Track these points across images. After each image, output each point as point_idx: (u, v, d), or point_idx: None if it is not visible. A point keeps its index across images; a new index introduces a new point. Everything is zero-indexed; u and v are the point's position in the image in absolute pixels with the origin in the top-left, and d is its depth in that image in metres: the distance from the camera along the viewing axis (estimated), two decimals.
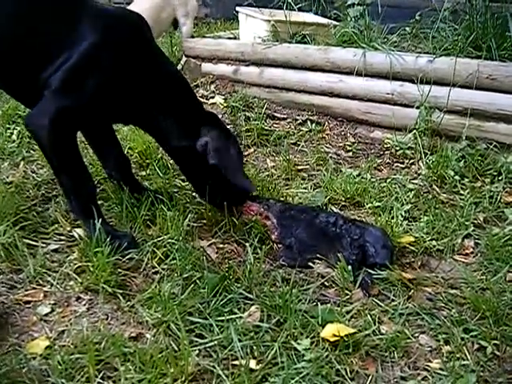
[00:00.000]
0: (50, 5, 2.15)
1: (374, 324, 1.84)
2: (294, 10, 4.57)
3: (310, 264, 2.17)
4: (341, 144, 3.54)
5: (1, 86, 2.41)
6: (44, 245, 2.20)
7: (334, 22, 4.51)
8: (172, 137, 2.31)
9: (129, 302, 1.89)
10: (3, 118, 3.50)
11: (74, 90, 2.06)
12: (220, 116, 3.69)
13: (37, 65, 2.07)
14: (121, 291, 1.93)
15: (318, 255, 2.19)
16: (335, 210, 2.65)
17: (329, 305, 1.93)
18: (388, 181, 2.99)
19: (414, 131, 3.31)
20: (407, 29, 4.28)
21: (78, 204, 2.19)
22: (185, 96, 2.37)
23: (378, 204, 2.69)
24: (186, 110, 2.33)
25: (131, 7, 4.76)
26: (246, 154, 3.29)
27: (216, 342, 1.71)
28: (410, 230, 2.47)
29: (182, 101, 2.34)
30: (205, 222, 2.42)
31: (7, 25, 2.07)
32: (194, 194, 2.61)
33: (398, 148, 3.36)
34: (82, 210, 2.18)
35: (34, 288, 1.96)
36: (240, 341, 1.70)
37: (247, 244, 2.20)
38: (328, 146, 3.51)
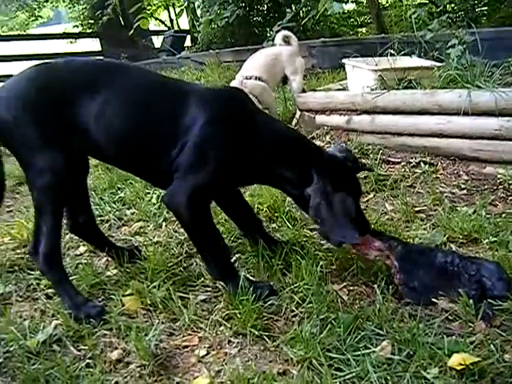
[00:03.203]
0: (163, 96, 2.45)
1: (498, 353, 1.91)
2: (395, 55, 4.70)
3: (434, 300, 2.26)
4: (455, 182, 3.56)
5: (132, 172, 2.74)
6: (194, 296, 2.45)
7: (437, 64, 4.55)
8: (292, 187, 2.47)
9: (274, 343, 2.10)
10: (141, 184, 3.84)
11: (201, 168, 2.30)
12: None
13: (160, 152, 2.35)
14: (266, 333, 2.14)
15: (439, 293, 2.27)
16: (454, 247, 2.71)
17: (454, 337, 2.02)
18: (503, 215, 3.01)
19: None
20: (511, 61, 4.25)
21: (217, 267, 2.43)
22: (297, 147, 2.49)
23: (494, 239, 2.72)
24: (300, 160, 2.44)
25: (247, 64, 5.15)
26: (365, 199, 3.41)
27: (354, 374, 1.87)
28: None
29: (295, 153, 2.46)
30: (334, 267, 2.57)
31: (129, 122, 2.37)
32: (322, 241, 2.75)
33: (511, 182, 3.35)
34: (220, 271, 2.43)
35: (190, 334, 2.21)
36: (375, 372, 1.85)
37: (375, 285, 2.33)
38: (443, 185, 3.55)
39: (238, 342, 2.15)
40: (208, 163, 2.31)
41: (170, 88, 2.50)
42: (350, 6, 14.12)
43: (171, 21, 17.77)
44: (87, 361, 2.08)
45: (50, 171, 2.28)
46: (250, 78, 4.90)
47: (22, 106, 2.30)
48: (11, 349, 2.16)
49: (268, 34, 9.40)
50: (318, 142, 4.43)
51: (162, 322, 2.29)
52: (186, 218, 2.34)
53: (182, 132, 2.32)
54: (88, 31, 18.77)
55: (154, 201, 3.61)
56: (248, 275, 2.52)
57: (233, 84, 5.07)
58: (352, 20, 13.79)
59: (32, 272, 2.75)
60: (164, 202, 2.39)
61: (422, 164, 3.84)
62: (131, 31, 9.00)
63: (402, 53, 4.91)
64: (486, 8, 9.85)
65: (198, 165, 2.31)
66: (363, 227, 2.47)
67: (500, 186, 3.45)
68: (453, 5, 9.52)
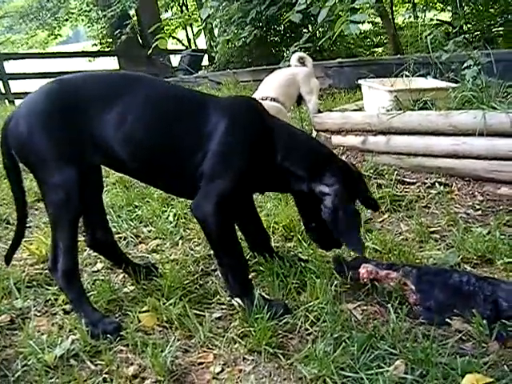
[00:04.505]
0: (183, 107, 2.50)
1: (511, 373, 1.91)
2: (410, 76, 4.74)
3: (448, 320, 2.27)
4: (470, 203, 3.56)
5: (153, 184, 2.82)
6: (209, 314, 2.48)
7: (452, 85, 4.57)
8: (302, 183, 2.48)
9: (288, 361, 2.11)
10: (158, 202, 3.89)
11: (224, 176, 2.36)
12: None
13: (182, 162, 2.41)
14: (280, 351, 2.15)
15: (454, 312, 2.28)
16: (468, 268, 2.71)
17: (467, 357, 2.00)
18: None
19: None
20: None
21: (235, 282, 2.46)
22: (307, 145, 2.58)
23: (509, 260, 2.71)
24: (315, 159, 2.50)
25: (263, 85, 5.20)
26: (380, 220, 3.44)
27: None
28: None
29: (305, 149, 2.54)
30: (348, 286, 2.59)
31: (150, 134, 2.42)
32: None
33: None
34: (238, 287, 2.46)
35: (205, 351, 2.23)
36: None
37: (389, 305, 2.33)
38: (457, 206, 3.56)
39: (252, 360, 2.16)
40: (230, 170, 2.38)
41: (188, 98, 2.56)
42: (367, 27, 14.20)
43: (189, 40, 17.98)
44: (104, 376, 2.10)
45: (63, 187, 2.33)
46: (266, 99, 4.95)
47: (38, 122, 2.35)
48: (29, 362, 2.19)
49: (285, 54, 9.48)
50: None
51: (178, 339, 2.30)
52: (212, 226, 2.37)
53: (204, 141, 2.38)
54: (106, 50, 19.04)
55: (170, 219, 3.65)
56: (263, 293, 2.52)
57: None
58: (368, 40, 13.87)
59: (50, 287, 2.78)
60: (191, 211, 2.43)
61: (436, 185, 3.87)
62: (149, 50, 9.10)
63: (418, 74, 4.93)
64: (502, 29, 9.89)
65: (220, 172, 2.37)
66: None
67: None
68: (469, 25, 9.56)
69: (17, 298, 2.70)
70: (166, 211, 3.78)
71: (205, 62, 15.53)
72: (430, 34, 5.43)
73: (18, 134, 2.37)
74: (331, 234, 2.44)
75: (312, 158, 2.51)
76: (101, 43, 19.75)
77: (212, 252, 2.61)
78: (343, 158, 4.49)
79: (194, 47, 16.88)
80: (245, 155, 2.41)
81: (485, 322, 2.18)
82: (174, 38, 18.88)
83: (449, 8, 12.25)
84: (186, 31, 18.24)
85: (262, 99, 4.92)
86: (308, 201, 2.51)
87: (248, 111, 2.57)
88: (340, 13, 5.08)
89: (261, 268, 2.79)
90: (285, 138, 2.52)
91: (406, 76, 4.76)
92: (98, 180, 2.70)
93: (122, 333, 2.34)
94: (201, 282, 2.80)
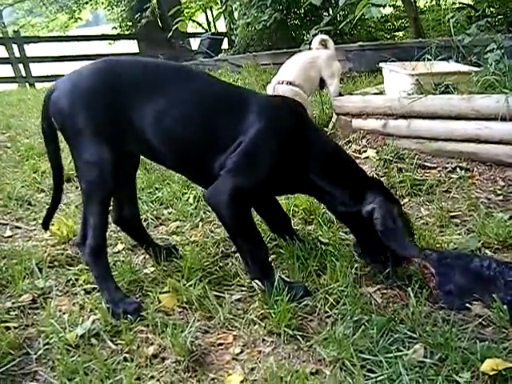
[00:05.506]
0: (224, 103, 2.50)
1: None
2: (432, 59, 4.70)
3: (468, 305, 2.26)
4: (491, 188, 3.53)
5: (180, 172, 2.83)
6: (229, 295, 2.49)
7: (475, 69, 4.51)
8: (338, 203, 2.51)
9: (307, 343, 2.12)
10: (179, 184, 3.92)
11: (246, 172, 2.35)
12: (373, 169, 3.89)
13: (214, 155, 2.40)
14: (300, 333, 2.17)
15: (474, 297, 2.27)
16: (489, 253, 2.69)
17: (487, 342, 2.00)
18: None
19: None
20: None
21: (255, 265, 2.46)
22: (346, 165, 2.56)
23: None
24: (349, 178, 2.51)
25: (283, 68, 5.16)
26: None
27: (386, 376, 1.88)
28: None
29: (343, 170, 2.53)
30: (368, 269, 2.59)
31: (190, 127, 2.42)
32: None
33: None
34: (258, 270, 2.46)
35: (225, 332, 2.25)
36: (407, 375, 1.86)
37: (409, 289, 2.33)
38: (478, 191, 3.52)
39: (271, 341, 2.18)
40: (254, 168, 2.37)
41: (231, 95, 2.56)
42: (388, 10, 14.04)
43: (209, 23, 17.89)
44: (124, 355, 2.13)
45: (99, 165, 2.36)
46: (282, 83, 4.93)
47: (81, 99, 2.38)
48: (51, 341, 2.22)
49: (305, 38, 9.41)
50: (354, 146, 4.50)
51: (198, 320, 2.33)
52: (225, 216, 2.38)
53: (237, 137, 2.38)
54: (126, 33, 19.04)
55: (190, 201, 3.67)
56: (283, 276, 2.54)
57: (267, 88, 5.14)
58: (389, 24, 13.72)
59: (71, 268, 2.83)
60: (205, 198, 2.43)
61: (457, 169, 3.83)
62: (169, 33, 9.09)
63: (440, 57, 4.88)
64: None
65: (244, 168, 2.36)
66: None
67: None
68: (492, 9, 9.42)
69: (38, 278, 2.74)
70: (186, 193, 3.80)
71: (225, 45, 15.48)
72: (452, 18, 5.38)
73: (59, 109, 2.41)
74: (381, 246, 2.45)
75: (351, 182, 2.51)
76: (120, 26, 19.74)
77: None
78: (363, 141, 4.52)
79: (213, 30, 16.82)
80: (273, 158, 2.39)
81: (505, 307, 2.17)
82: (193, 21, 18.80)
83: None
84: (206, 14, 18.14)
85: (279, 83, 4.91)
86: (356, 220, 2.51)
87: (288, 116, 2.55)
88: None
89: (281, 250, 2.80)
90: (320, 153, 2.52)
91: (428, 60, 4.71)
92: (135, 159, 2.75)
93: (142, 313, 2.36)
94: (221, 264, 2.82)
